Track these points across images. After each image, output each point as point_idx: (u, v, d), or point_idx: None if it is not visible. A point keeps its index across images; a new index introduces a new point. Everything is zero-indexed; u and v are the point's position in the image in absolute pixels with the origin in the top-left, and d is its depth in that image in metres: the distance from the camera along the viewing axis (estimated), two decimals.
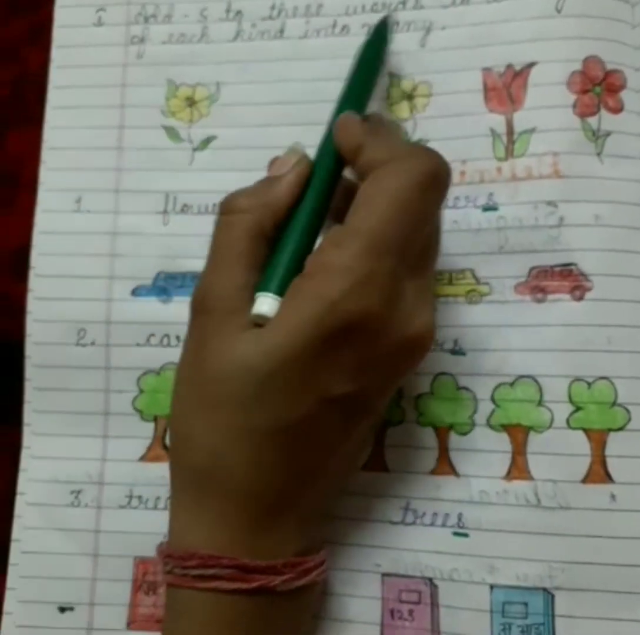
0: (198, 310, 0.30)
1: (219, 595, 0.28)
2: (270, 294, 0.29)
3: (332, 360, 0.27)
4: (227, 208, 0.31)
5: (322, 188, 0.31)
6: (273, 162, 0.32)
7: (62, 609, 0.36)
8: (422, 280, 0.30)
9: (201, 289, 0.30)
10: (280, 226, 0.30)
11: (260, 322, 0.28)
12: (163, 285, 0.37)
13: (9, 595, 0.36)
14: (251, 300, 0.29)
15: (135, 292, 0.38)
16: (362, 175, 0.30)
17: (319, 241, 0.30)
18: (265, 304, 0.28)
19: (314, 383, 0.27)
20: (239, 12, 0.39)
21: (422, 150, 0.30)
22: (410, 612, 0.34)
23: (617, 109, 0.35)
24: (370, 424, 0.32)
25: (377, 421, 0.33)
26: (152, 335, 0.37)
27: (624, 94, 0.35)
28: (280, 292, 0.29)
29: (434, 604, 0.33)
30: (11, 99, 0.42)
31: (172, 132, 0.39)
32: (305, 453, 0.29)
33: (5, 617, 0.36)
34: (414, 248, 0.29)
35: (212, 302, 0.29)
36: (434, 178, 0.29)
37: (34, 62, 0.42)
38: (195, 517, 0.29)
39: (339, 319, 0.27)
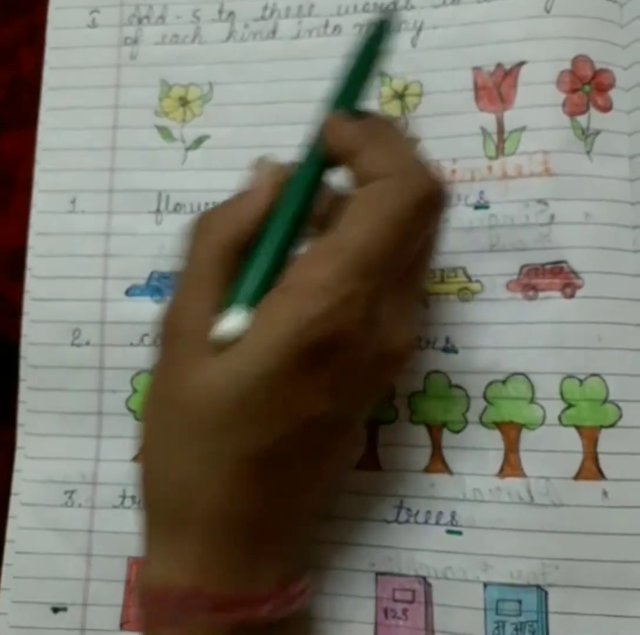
0: (167, 335, 0.28)
1: (201, 631, 0.27)
2: (238, 310, 0.27)
3: (306, 381, 0.26)
4: (198, 228, 0.29)
5: (300, 195, 0.29)
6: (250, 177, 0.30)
7: (56, 610, 0.36)
8: (405, 296, 0.29)
9: (171, 313, 0.29)
10: (250, 241, 0.28)
11: (225, 341, 0.26)
12: (156, 285, 0.37)
13: (3, 596, 0.36)
14: None
15: (129, 292, 0.38)
16: (356, 183, 0.28)
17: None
18: (232, 321, 0.26)
19: (287, 405, 0.26)
20: (231, 13, 0.39)
21: (424, 170, 0.28)
22: (404, 611, 0.34)
23: (606, 108, 0.35)
24: (353, 439, 0.31)
25: (359, 438, 0.33)
26: (146, 335, 0.37)
27: (612, 93, 0.36)
28: (249, 307, 0.27)
29: (428, 603, 0.33)
30: (6, 100, 0.43)
31: (165, 132, 0.39)
32: (284, 477, 0.28)
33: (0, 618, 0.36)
34: (400, 267, 0.28)
35: (181, 327, 0.28)
36: (433, 201, 0.28)
37: (29, 64, 0.42)
38: (170, 552, 0.27)
39: (314, 341, 0.25)
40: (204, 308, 0.27)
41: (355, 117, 0.30)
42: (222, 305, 0.27)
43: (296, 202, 0.29)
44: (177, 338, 0.28)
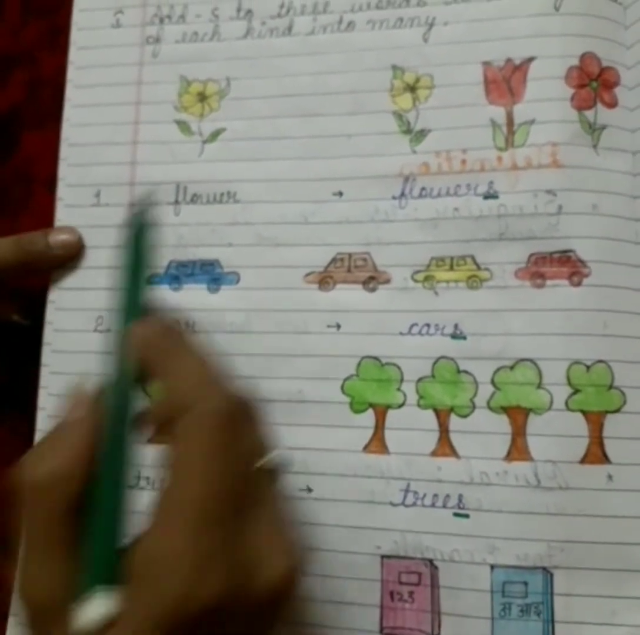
0: (25, 611, 0.26)
1: None
2: (98, 597, 0.25)
3: None
4: (28, 483, 0.26)
5: (122, 436, 0.27)
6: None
7: None
8: (259, 514, 0.26)
9: (21, 587, 0.26)
10: (84, 490, 0.26)
11: (91, 631, 0.24)
12: (175, 274, 0.39)
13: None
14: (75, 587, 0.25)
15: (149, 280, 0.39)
16: (166, 420, 0.27)
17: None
18: (94, 609, 0.25)
19: None
20: (249, 11, 0.40)
21: (220, 387, 0.28)
22: (411, 593, 0.34)
23: (612, 104, 0.36)
24: None
25: None
26: None
27: (617, 90, 0.36)
28: (106, 588, 0.25)
29: (434, 586, 0.34)
30: (27, 101, 0.44)
31: (184, 126, 0.40)
32: None
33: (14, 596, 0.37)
34: (244, 494, 0.26)
35: (34, 603, 0.26)
36: (240, 414, 0.27)
37: (49, 65, 0.44)
38: None
39: (186, 616, 0.24)
40: (55, 579, 0.25)
41: (148, 325, 0.29)
42: (76, 584, 0.25)
43: (122, 447, 0.27)
44: (37, 615, 0.26)
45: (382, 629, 0.34)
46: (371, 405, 0.36)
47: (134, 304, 0.30)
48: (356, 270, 0.37)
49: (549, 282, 0.35)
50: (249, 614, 0.26)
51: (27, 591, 0.26)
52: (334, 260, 0.37)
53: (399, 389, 0.35)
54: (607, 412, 0.33)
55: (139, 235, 0.31)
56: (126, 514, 0.27)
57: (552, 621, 0.32)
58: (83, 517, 0.26)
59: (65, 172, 0.41)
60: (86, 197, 0.40)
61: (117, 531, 0.26)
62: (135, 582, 0.25)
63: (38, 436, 0.38)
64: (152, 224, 0.32)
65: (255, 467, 0.27)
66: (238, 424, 0.27)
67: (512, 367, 0.34)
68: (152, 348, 0.29)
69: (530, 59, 0.37)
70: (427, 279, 0.36)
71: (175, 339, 0.30)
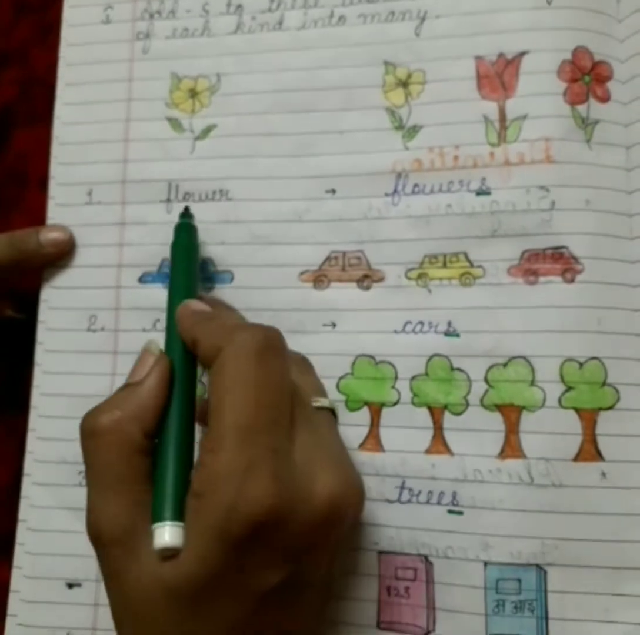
0: (98, 544, 0.29)
1: None
2: (167, 522, 0.28)
3: (252, 561, 0.27)
4: (90, 430, 0.30)
5: (185, 390, 0.31)
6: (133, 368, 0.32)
7: (70, 585, 0.37)
8: (308, 434, 0.29)
9: (92, 523, 0.29)
10: (153, 433, 0.30)
11: (166, 553, 0.28)
12: (168, 272, 0.38)
13: (15, 574, 0.37)
14: (146, 518, 0.28)
15: (142, 279, 0.39)
16: (206, 368, 0.30)
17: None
18: (165, 534, 0.28)
19: (241, 588, 0.27)
20: (239, 6, 0.40)
21: (247, 325, 0.31)
22: (406, 589, 0.34)
23: (605, 99, 0.36)
24: (321, 596, 0.31)
25: (328, 592, 0.32)
26: (158, 320, 0.38)
27: (610, 85, 0.36)
28: (176, 515, 0.28)
29: (430, 581, 0.34)
30: (19, 98, 0.44)
31: (175, 123, 0.40)
32: None
33: (11, 595, 0.37)
34: (284, 408, 0.29)
35: (108, 536, 0.28)
36: (268, 345, 0.29)
37: (41, 63, 0.43)
38: None
39: (242, 524, 0.26)
40: (124, 513, 0.28)
41: (191, 302, 0.33)
42: (143, 504, 0.29)
43: (184, 398, 0.31)
44: (110, 546, 0.28)
45: (379, 623, 0.34)
46: (366, 403, 0.36)
47: (185, 289, 0.35)
48: (350, 268, 0.37)
49: (542, 279, 0.35)
50: (305, 526, 0.27)
51: (92, 526, 0.29)
52: (328, 258, 0.37)
53: (393, 387, 0.35)
54: (600, 409, 0.33)
55: (185, 234, 0.37)
56: (192, 452, 0.30)
57: (546, 618, 0.32)
58: (151, 457, 0.30)
59: (57, 170, 0.41)
60: (78, 196, 0.40)
61: (185, 466, 0.29)
62: (196, 500, 0.27)
63: (30, 436, 0.38)
64: (195, 226, 0.37)
65: (312, 406, 0.31)
66: (268, 352, 0.29)
67: (505, 365, 0.35)
68: (192, 317, 0.32)
69: (523, 53, 0.36)
70: (420, 276, 0.36)
71: (211, 312, 0.33)
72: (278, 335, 0.30)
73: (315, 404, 0.31)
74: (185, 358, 0.32)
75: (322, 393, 0.33)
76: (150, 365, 0.31)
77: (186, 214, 0.38)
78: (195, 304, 0.33)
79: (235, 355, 0.28)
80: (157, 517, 0.28)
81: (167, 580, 0.27)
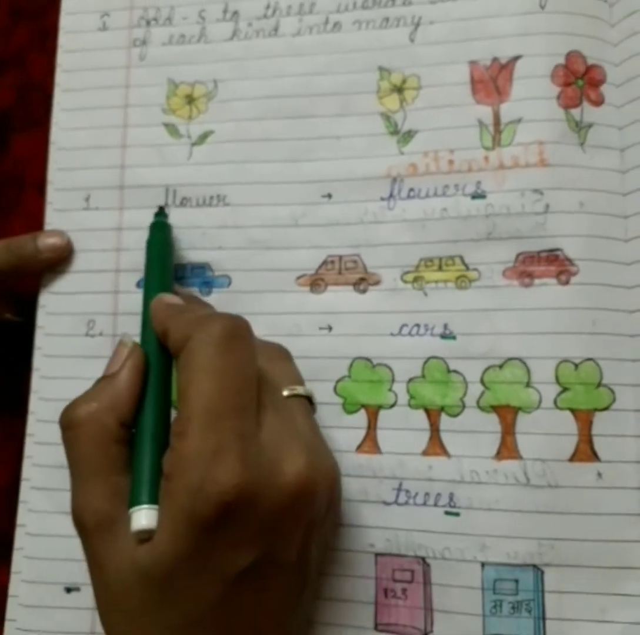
0: (82, 533, 0.30)
1: None
2: (143, 506, 0.29)
3: (222, 542, 0.27)
4: (68, 423, 0.31)
5: (160, 380, 0.32)
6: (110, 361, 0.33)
7: (69, 590, 0.37)
8: (276, 419, 0.30)
9: (75, 510, 0.30)
10: (129, 422, 0.31)
11: (143, 536, 0.28)
12: None
13: (14, 578, 0.37)
14: (125, 506, 0.29)
15: (139, 284, 0.39)
16: (176, 357, 0.30)
17: None
18: (142, 517, 0.28)
19: (212, 569, 0.27)
20: (235, 13, 0.40)
21: (216, 314, 0.33)
22: (404, 590, 0.34)
23: (598, 102, 0.36)
24: (297, 580, 0.31)
25: (304, 577, 0.31)
26: None
27: (604, 88, 0.36)
28: (152, 499, 0.29)
29: (427, 583, 0.34)
30: (17, 103, 0.44)
31: (172, 129, 0.40)
32: (241, 628, 0.29)
33: (10, 600, 0.37)
34: (250, 394, 0.29)
35: (89, 524, 0.29)
36: (234, 333, 0.29)
37: (38, 68, 0.44)
38: None
39: (210, 505, 0.27)
40: (104, 499, 0.29)
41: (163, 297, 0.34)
42: (124, 492, 0.29)
43: (158, 387, 0.32)
44: (91, 532, 0.29)
45: (376, 625, 0.34)
46: (363, 405, 0.36)
47: (159, 285, 0.36)
48: (347, 272, 0.37)
49: (537, 281, 0.35)
50: (274, 505, 0.28)
51: (76, 516, 0.30)
52: (325, 262, 0.37)
53: (390, 390, 0.36)
54: (595, 410, 0.34)
55: (159, 232, 0.38)
56: (165, 440, 0.30)
57: (543, 618, 0.32)
58: (129, 446, 0.31)
59: (54, 176, 0.41)
60: (76, 201, 0.40)
61: (160, 452, 0.30)
62: (167, 483, 0.28)
63: (29, 441, 0.38)
64: (169, 224, 0.38)
65: (282, 393, 0.31)
66: (233, 340, 0.29)
67: (501, 366, 0.35)
68: (166, 310, 0.33)
69: (516, 58, 0.37)
70: (416, 279, 0.36)
71: (184, 305, 0.34)
72: (245, 324, 0.30)
73: (290, 392, 0.32)
74: (159, 349, 0.32)
75: (298, 381, 0.33)
76: (124, 358, 0.32)
77: (161, 212, 0.38)
78: (168, 298, 0.34)
79: (201, 343, 0.29)
80: (134, 501, 0.29)
81: (141, 564, 0.28)
